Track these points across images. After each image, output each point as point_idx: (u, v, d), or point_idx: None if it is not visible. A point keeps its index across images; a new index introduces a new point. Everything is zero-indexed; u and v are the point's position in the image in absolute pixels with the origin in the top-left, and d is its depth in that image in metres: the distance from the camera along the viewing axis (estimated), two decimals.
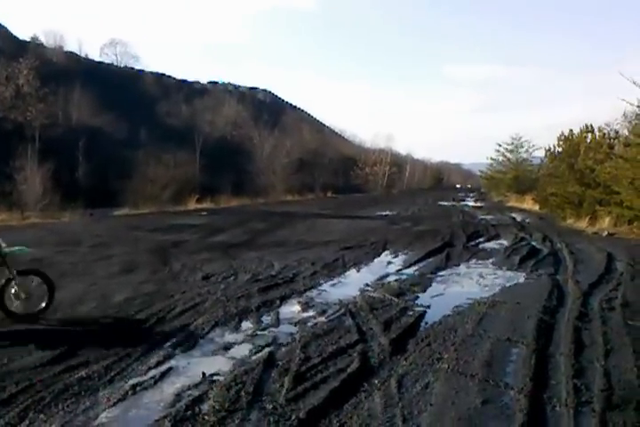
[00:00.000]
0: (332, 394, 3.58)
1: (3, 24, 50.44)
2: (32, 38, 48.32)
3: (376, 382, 3.85)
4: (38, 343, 4.58)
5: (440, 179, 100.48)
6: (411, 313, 5.80)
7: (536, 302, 6.25)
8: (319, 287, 7.25)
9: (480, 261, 9.71)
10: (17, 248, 5.54)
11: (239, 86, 72.18)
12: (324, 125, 74.56)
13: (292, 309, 6.07)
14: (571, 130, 22.57)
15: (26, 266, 8.29)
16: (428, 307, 6.14)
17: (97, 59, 56.65)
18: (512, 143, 41.65)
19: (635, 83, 14.57)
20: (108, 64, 56.57)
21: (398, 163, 69.79)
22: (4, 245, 5.33)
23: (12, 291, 5.29)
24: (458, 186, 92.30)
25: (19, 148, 25.06)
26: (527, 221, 19.91)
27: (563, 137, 23.06)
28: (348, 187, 53.98)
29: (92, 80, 41.74)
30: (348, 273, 8.47)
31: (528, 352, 4.42)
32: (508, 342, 4.77)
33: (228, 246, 11.21)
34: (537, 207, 27.14)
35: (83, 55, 54.59)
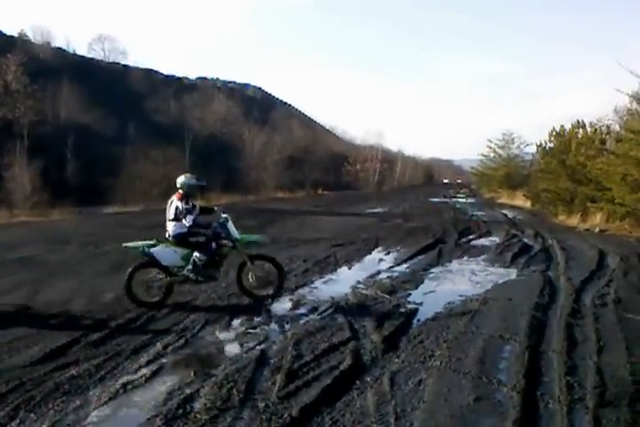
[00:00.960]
0: (324, 392, 3.57)
1: None
2: (19, 34, 47.60)
3: (368, 379, 3.84)
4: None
5: (431, 175, 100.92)
6: (403, 310, 5.80)
7: (528, 298, 6.27)
8: (311, 285, 7.24)
9: (472, 258, 9.75)
10: (255, 237, 6.70)
11: (229, 82, 71.78)
12: (315, 122, 74.50)
13: (283, 306, 6.05)
14: (562, 126, 22.62)
15: (15, 264, 8.29)
16: (421, 304, 6.14)
17: (85, 55, 55.98)
18: (503, 139, 41.67)
19: (632, 73, 14.55)
20: (96, 60, 55.91)
21: (389, 159, 70.02)
22: (237, 232, 6.15)
23: (248, 274, 6.16)
24: (445, 181, 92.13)
25: (7, 145, 24.86)
26: (519, 217, 20.02)
27: (554, 133, 23.05)
28: (338, 184, 53.99)
29: (80, 76, 41.20)
30: (339, 270, 8.46)
31: (521, 349, 4.43)
32: (500, 339, 4.77)
33: None
34: (528, 204, 27.22)
35: (70, 51, 53.95)
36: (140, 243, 5.97)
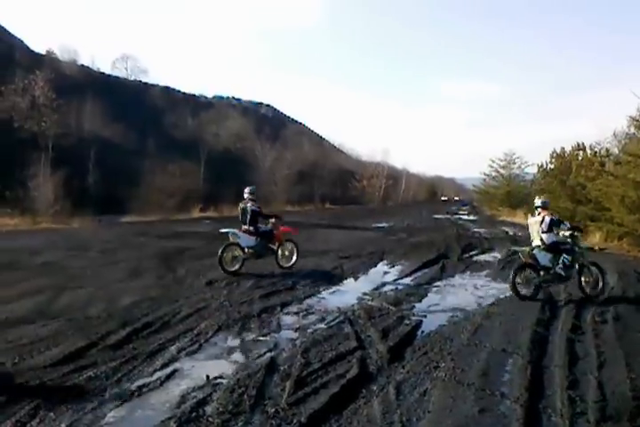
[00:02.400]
0: (331, 399, 3.66)
1: (19, 38, 51.61)
2: (47, 52, 49.21)
3: (374, 388, 3.93)
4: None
5: (434, 192, 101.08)
6: (408, 322, 5.89)
7: (530, 314, 6.34)
8: (318, 295, 7.38)
9: (474, 273, 9.81)
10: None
11: (243, 101, 73.37)
12: (324, 139, 75.40)
13: (292, 315, 6.18)
14: (562, 148, 23.03)
15: (38, 269, 8.61)
16: (425, 316, 6.24)
17: (108, 72, 57.68)
18: (505, 159, 42.47)
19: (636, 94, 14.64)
20: (119, 78, 57.53)
21: (394, 176, 70.48)
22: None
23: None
24: (443, 198, 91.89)
25: (33, 156, 25.63)
26: (520, 234, 19.95)
27: (555, 154, 23.40)
28: (345, 198, 54.50)
29: (103, 92, 42.43)
30: (346, 282, 8.59)
31: (523, 363, 4.50)
32: (503, 352, 4.84)
33: None
34: None
35: (95, 69, 55.59)
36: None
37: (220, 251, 8.46)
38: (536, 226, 7.49)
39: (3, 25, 51.21)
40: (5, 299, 6.45)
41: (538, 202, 7.61)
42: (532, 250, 7.40)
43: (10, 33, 51.22)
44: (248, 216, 8.83)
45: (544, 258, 7.35)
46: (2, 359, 4.28)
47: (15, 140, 28.62)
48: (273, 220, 9.23)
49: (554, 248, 7.38)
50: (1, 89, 30.53)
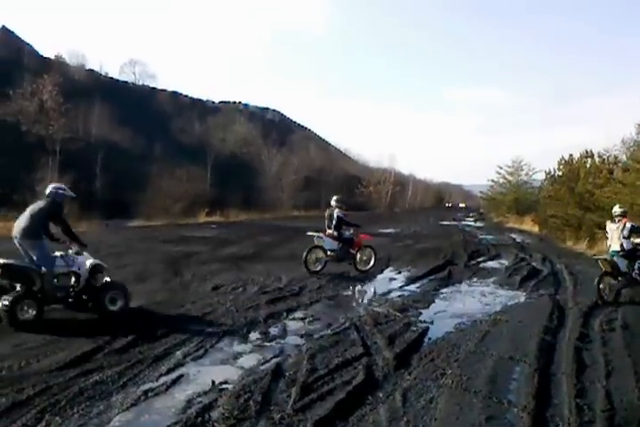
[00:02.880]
0: (337, 405, 3.64)
1: (28, 42, 52.28)
2: (56, 56, 49.88)
3: (381, 395, 3.91)
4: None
5: (441, 199, 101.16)
6: (414, 329, 5.88)
7: (537, 321, 6.30)
8: (325, 301, 7.36)
9: (481, 280, 9.78)
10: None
11: (249, 106, 73.77)
12: (330, 145, 75.71)
13: (298, 321, 6.17)
14: (570, 155, 23.01)
15: None
16: (431, 323, 6.22)
17: (116, 77, 58.25)
18: (512, 166, 42.24)
19: None
20: (127, 82, 58.07)
21: (401, 182, 70.64)
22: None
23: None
24: (448, 205, 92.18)
25: (40, 160, 25.84)
26: (527, 241, 19.87)
27: (563, 161, 23.39)
28: (351, 204, 53.99)
29: (111, 97, 42.87)
30: (352, 288, 8.58)
31: (530, 371, 4.47)
32: (510, 360, 4.81)
33: (236, 258, 11.40)
34: (536, 229, 27.13)
35: (103, 73, 56.17)
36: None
37: (304, 252, 9.40)
38: (617, 232, 7.84)
39: (12, 30, 51.95)
40: None
41: (618, 210, 7.98)
42: (612, 257, 7.83)
43: (19, 38, 51.88)
44: (334, 222, 9.60)
45: (622, 264, 7.76)
46: (8, 363, 4.29)
47: (23, 144, 28.94)
48: (353, 228, 9.99)
49: (631, 254, 7.75)
50: (9, 93, 30.91)
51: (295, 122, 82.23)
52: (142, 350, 4.77)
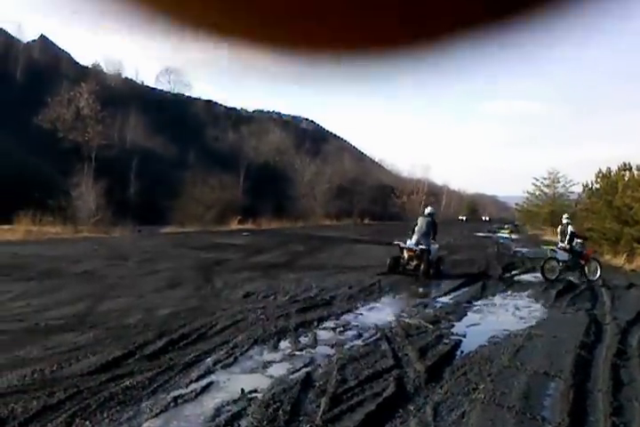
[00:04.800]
0: (367, 417, 3.60)
1: (66, 51, 54.43)
2: (93, 65, 51.65)
3: (412, 408, 3.85)
4: None
5: (475, 210, 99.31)
6: (446, 341, 5.78)
7: (573, 336, 6.13)
8: (356, 311, 7.31)
9: (516, 293, 9.58)
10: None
11: (283, 115, 74.57)
12: (364, 155, 75.63)
13: (329, 330, 6.15)
14: (608, 167, 22.46)
15: (78, 277, 8.88)
16: (464, 336, 6.11)
17: (152, 85, 59.86)
18: (549, 178, 41.46)
19: None
20: (162, 91, 59.57)
21: (435, 193, 69.89)
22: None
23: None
24: (486, 219, 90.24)
25: (76, 166, 26.74)
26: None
27: (600, 174, 22.82)
28: (384, 214, 54.16)
29: (146, 105, 44.08)
30: (383, 298, 8.50)
31: (565, 387, 4.34)
32: (545, 375, 4.69)
33: (268, 267, 11.44)
34: None
35: (139, 82, 57.84)
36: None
37: (541, 263, 11.20)
38: None
39: (51, 39, 54.10)
40: (46, 306, 6.60)
41: None
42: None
43: (57, 46, 53.91)
44: (567, 237, 11.27)
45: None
46: (41, 366, 4.35)
47: (59, 150, 29.99)
48: (581, 240, 11.56)
49: None
50: (47, 100, 32.10)
51: (330, 132, 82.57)
52: (173, 356, 4.81)
